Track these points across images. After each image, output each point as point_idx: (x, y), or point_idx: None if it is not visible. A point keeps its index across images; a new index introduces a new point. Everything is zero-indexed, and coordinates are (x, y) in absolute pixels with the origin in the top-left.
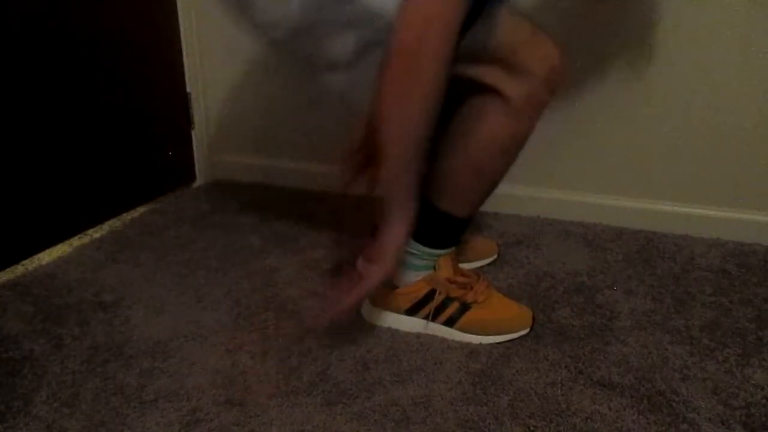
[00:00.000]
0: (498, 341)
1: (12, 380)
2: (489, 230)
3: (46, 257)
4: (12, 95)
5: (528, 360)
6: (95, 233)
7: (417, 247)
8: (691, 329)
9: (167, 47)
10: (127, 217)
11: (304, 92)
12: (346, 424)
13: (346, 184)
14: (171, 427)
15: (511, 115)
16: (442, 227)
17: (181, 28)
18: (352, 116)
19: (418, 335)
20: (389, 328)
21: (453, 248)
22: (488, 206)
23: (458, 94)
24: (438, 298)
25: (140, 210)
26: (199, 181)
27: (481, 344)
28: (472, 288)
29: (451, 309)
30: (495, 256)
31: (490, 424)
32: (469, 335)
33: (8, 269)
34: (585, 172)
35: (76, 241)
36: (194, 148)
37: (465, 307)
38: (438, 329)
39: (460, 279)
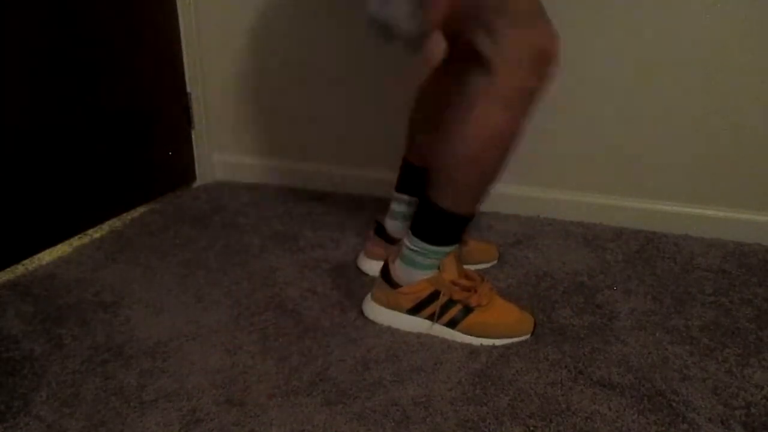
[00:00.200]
0: (498, 344)
1: (12, 380)
2: (489, 230)
3: (46, 257)
4: (12, 95)
5: (528, 360)
6: (95, 233)
7: (420, 245)
8: (691, 329)
9: (167, 47)
10: (127, 217)
11: (304, 92)
12: (346, 424)
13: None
14: (171, 427)
15: (500, 102)
16: (443, 223)
17: (181, 28)
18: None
19: (418, 335)
20: (389, 328)
21: (456, 248)
22: (488, 206)
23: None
24: (441, 300)
25: (140, 210)
26: (199, 181)
27: (482, 345)
28: (475, 291)
29: (454, 311)
30: (495, 261)
31: (490, 424)
32: (470, 337)
33: (8, 269)
34: (585, 172)
35: (76, 241)
36: (194, 148)
37: (468, 310)
38: (441, 330)
39: (463, 282)
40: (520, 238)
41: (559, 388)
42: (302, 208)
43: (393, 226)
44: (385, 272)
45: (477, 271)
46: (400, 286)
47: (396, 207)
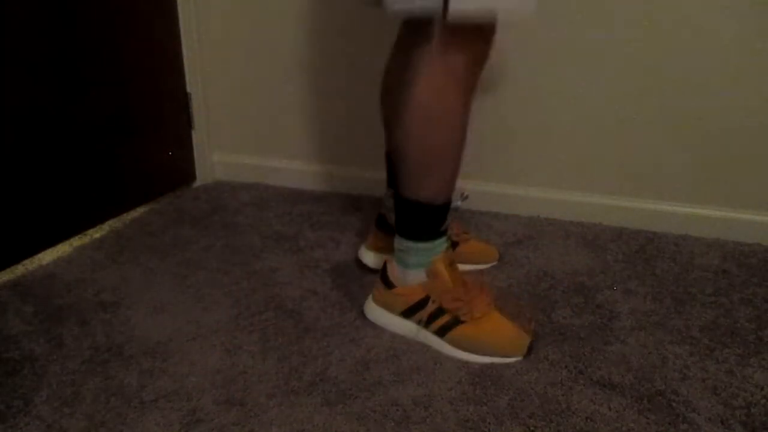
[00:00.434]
0: (484, 362)
1: (12, 380)
2: (489, 230)
3: (46, 257)
4: (12, 95)
5: (528, 360)
6: (95, 233)
7: (404, 243)
8: (691, 329)
9: (167, 47)
10: (127, 217)
11: (304, 92)
12: (346, 424)
13: None
14: (171, 427)
15: (437, 78)
16: (412, 215)
17: (181, 29)
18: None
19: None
20: (390, 331)
21: (447, 251)
22: (488, 206)
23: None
24: (431, 306)
25: (140, 210)
26: (199, 181)
27: (466, 362)
28: (469, 302)
29: (443, 320)
30: (495, 262)
31: (490, 424)
32: (458, 350)
33: (8, 269)
34: (585, 172)
35: (76, 241)
36: (194, 148)
37: (456, 321)
38: (428, 337)
39: (456, 291)
40: (520, 238)
41: (559, 388)
42: (302, 208)
43: (392, 219)
44: (384, 272)
45: (477, 271)
46: (396, 287)
47: (388, 201)
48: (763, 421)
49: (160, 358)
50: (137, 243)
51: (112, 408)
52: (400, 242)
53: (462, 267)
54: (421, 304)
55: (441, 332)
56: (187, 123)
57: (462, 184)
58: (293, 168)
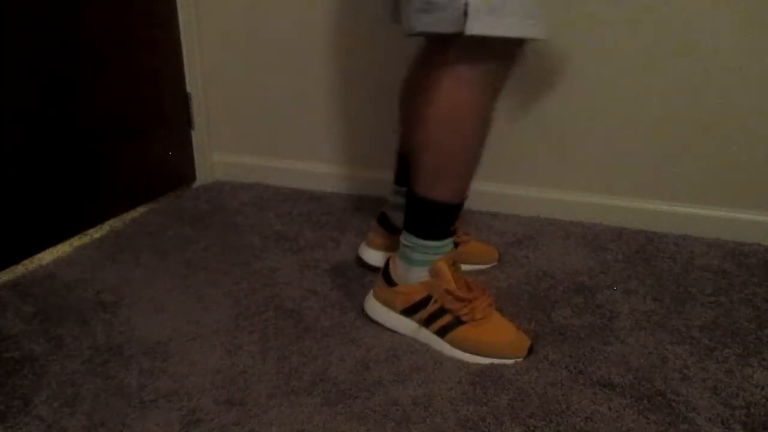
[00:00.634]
0: (484, 363)
1: (12, 380)
2: (489, 230)
3: (46, 257)
4: (11, 95)
5: (528, 360)
6: (95, 233)
7: (411, 240)
8: (691, 329)
9: (167, 47)
10: (127, 217)
11: (304, 92)
12: (346, 424)
13: None
14: (171, 427)
15: (455, 82)
16: (423, 212)
17: (181, 28)
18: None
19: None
20: (389, 328)
21: (451, 251)
22: (488, 206)
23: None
24: (432, 306)
25: (140, 210)
26: (199, 181)
27: (468, 362)
28: (470, 303)
29: (444, 320)
30: (495, 262)
31: (490, 424)
32: (458, 351)
33: (8, 269)
34: (585, 172)
35: (76, 241)
36: (194, 148)
37: (457, 322)
38: (429, 337)
39: (458, 292)
40: (520, 238)
41: (559, 388)
42: (302, 208)
43: (395, 217)
44: (386, 269)
45: (476, 272)
46: (397, 284)
47: (394, 199)
48: (763, 421)
49: (160, 358)
50: (137, 243)
51: (112, 408)
52: (407, 238)
53: (462, 267)
54: (423, 303)
55: (441, 332)
56: (187, 123)
57: None
58: (293, 168)
